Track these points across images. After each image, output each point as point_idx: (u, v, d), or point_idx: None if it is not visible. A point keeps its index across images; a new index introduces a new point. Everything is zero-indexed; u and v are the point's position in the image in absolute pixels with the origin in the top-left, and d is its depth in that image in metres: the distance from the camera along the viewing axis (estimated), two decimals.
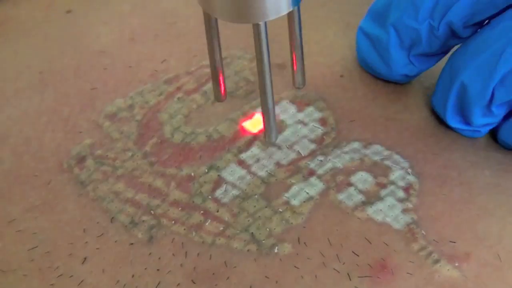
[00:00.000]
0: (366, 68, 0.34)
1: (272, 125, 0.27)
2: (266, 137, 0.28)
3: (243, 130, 0.31)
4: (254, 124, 0.32)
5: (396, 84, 0.34)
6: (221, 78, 0.28)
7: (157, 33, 0.37)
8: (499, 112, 0.29)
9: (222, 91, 0.28)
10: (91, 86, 0.34)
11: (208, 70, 0.35)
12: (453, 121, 0.31)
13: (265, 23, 0.24)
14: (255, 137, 0.31)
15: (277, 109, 0.32)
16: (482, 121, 0.30)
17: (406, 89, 0.34)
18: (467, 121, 0.31)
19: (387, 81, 0.34)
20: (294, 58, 0.28)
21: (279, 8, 0.24)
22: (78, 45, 0.37)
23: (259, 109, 0.32)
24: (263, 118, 0.27)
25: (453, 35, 0.30)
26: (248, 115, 0.32)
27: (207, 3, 0.24)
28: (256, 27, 0.24)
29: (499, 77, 0.28)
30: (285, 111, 0.32)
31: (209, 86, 0.34)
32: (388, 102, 0.33)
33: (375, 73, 0.33)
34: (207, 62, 0.35)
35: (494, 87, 0.28)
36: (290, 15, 0.26)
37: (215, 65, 0.27)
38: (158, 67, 0.35)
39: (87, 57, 0.36)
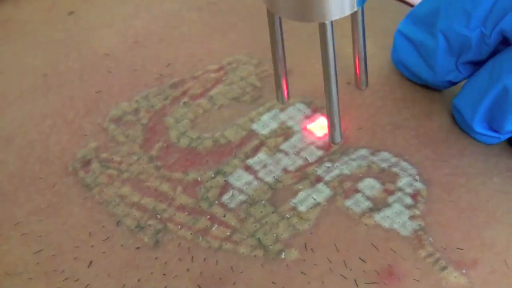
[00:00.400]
0: (404, 71, 0.34)
1: (337, 127, 0.27)
2: (331, 138, 0.28)
3: (309, 133, 0.32)
4: (319, 127, 0.32)
5: (404, 92, 0.34)
6: (284, 80, 0.28)
7: (161, 36, 0.37)
8: None
9: (286, 94, 0.29)
10: (96, 89, 0.35)
11: (213, 75, 0.35)
12: (480, 126, 0.31)
13: (331, 22, 0.25)
14: (262, 142, 0.32)
15: (284, 116, 0.33)
16: None
17: (414, 97, 0.34)
18: (493, 126, 0.31)
19: (394, 88, 0.34)
20: (357, 60, 0.28)
21: (344, 8, 0.25)
22: (82, 47, 0.37)
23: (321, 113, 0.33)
24: (328, 120, 0.27)
25: (504, 42, 0.30)
26: (311, 119, 0.32)
27: (270, 1, 0.25)
28: (322, 26, 0.25)
29: None
30: (292, 118, 0.33)
31: (215, 91, 0.34)
32: (396, 110, 0.33)
33: (415, 78, 0.34)
34: (212, 66, 0.35)
35: None
36: (353, 15, 0.27)
37: (278, 65, 0.28)
38: (163, 71, 0.35)
39: (91, 59, 0.36)
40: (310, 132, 0.32)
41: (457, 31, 0.30)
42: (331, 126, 0.28)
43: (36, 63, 0.37)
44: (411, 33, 0.32)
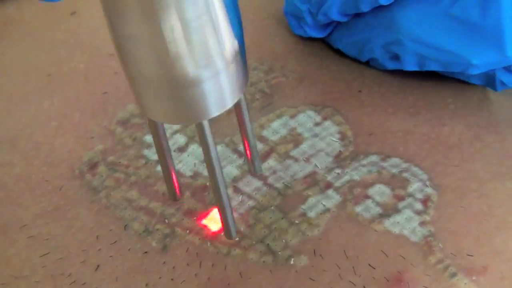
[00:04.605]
0: (293, 22, 0.39)
1: (230, 221, 0.28)
2: (226, 233, 0.28)
3: (204, 227, 0.31)
4: (213, 221, 0.32)
5: (416, 98, 0.36)
6: (174, 178, 0.28)
7: None
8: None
9: (177, 191, 0.29)
10: (102, 91, 0.36)
11: None
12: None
13: (208, 120, 0.24)
14: (272, 149, 0.34)
15: (294, 123, 0.35)
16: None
17: (426, 102, 0.36)
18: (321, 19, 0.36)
19: (406, 94, 0.36)
20: (247, 147, 0.29)
21: (224, 103, 0.24)
22: (86, 47, 0.39)
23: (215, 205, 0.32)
24: (220, 215, 0.28)
25: None
26: (205, 212, 0.32)
27: (149, 110, 0.24)
28: (199, 125, 0.24)
29: None
30: (302, 125, 0.35)
31: None
32: (408, 116, 0.35)
33: (303, 31, 0.39)
34: None
35: None
36: (236, 104, 0.26)
37: (166, 167, 0.28)
38: None
39: (96, 60, 0.38)
40: (205, 227, 0.31)
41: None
42: (224, 222, 0.28)
43: (40, 63, 0.38)
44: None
